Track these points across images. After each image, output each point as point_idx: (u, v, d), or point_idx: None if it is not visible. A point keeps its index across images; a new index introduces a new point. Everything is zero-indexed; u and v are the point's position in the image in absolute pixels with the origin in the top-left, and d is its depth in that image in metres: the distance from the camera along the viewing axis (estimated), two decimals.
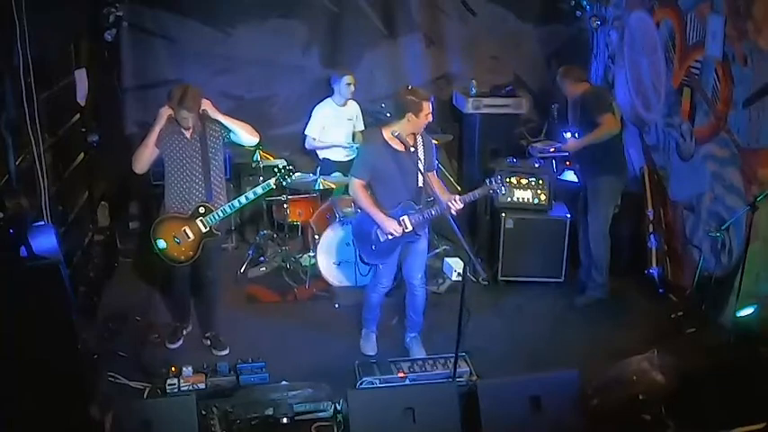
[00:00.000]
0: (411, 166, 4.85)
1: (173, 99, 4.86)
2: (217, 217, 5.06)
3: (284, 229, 6.71)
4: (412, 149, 4.84)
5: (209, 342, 5.47)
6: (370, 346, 5.41)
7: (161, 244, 5.07)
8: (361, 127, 7.04)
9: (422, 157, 4.92)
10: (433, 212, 4.89)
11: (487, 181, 5.01)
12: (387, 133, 4.89)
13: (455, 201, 4.86)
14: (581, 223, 6.16)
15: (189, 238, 5.05)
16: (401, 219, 4.90)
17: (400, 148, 4.85)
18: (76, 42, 6.13)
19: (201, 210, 5.05)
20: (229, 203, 5.11)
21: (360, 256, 5.17)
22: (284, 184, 5.28)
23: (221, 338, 5.43)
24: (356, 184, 4.93)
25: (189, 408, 4.14)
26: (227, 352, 5.36)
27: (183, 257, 5.08)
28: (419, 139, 4.95)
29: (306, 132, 6.89)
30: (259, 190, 5.14)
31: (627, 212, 6.47)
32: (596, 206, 5.92)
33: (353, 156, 6.84)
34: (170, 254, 5.08)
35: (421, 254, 5.18)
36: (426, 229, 5.13)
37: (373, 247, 5.03)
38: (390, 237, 4.91)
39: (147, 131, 5.04)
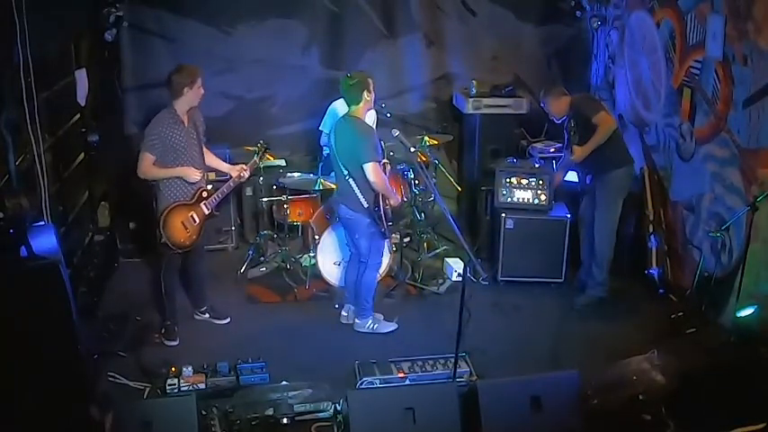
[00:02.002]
0: None
1: (185, 79, 5.11)
2: (217, 199, 5.38)
3: (284, 229, 6.71)
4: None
5: (207, 315, 5.72)
6: (389, 324, 5.62)
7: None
8: None
9: None
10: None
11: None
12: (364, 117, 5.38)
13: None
14: (583, 222, 6.15)
15: (195, 222, 5.32)
16: None
17: None
18: (76, 42, 6.13)
19: (204, 194, 5.34)
20: (225, 185, 5.43)
21: (383, 233, 5.39)
22: (259, 159, 5.71)
23: (218, 309, 5.73)
24: (378, 167, 5.21)
25: (189, 408, 4.13)
26: (228, 320, 5.73)
27: (188, 242, 5.33)
28: None
29: (321, 128, 6.88)
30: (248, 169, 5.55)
31: (627, 212, 6.46)
32: (606, 201, 5.88)
33: None
34: (178, 240, 5.27)
35: None
36: None
37: (390, 223, 5.42)
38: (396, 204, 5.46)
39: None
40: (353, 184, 5.24)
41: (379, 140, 5.36)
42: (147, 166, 5.16)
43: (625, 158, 5.95)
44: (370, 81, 5.29)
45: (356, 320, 5.64)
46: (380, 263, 5.64)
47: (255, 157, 5.66)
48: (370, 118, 6.80)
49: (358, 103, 5.27)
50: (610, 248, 5.94)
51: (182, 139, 5.20)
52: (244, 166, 5.54)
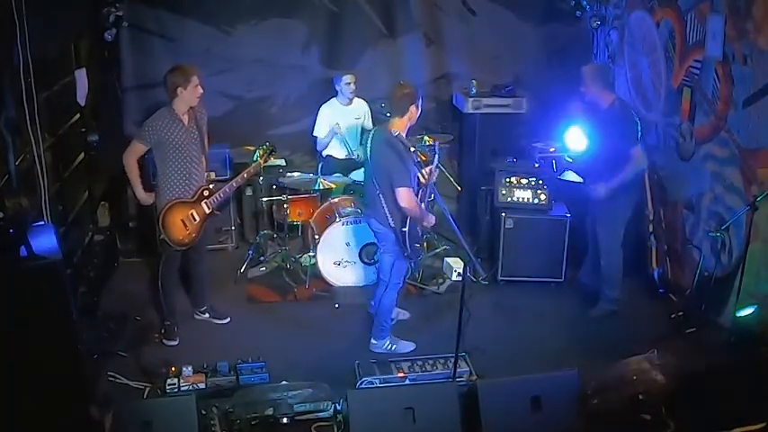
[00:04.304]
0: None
1: (179, 79, 5.11)
2: (219, 198, 5.37)
3: (284, 229, 6.71)
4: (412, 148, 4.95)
5: (207, 315, 5.73)
6: (407, 344, 5.44)
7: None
8: (370, 125, 7.03)
9: None
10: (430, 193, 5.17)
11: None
12: (397, 134, 4.96)
13: (430, 173, 5.08)
14: (590, 233, 5.98)
15: (195, 220, 5.32)
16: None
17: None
18: (76, 42, 6.13)
19: (206, 192, 5.35)
20: (228, 185, 5.41)
21: (409, 257, 5.20)
22: (269, 157, 5.65)
23: (218, 309, 5.75)
24: (410, 193, 4.94)
25: (189, 408, 4.14)
26: (228, 320, 5.74)
27: (187, 240, 5.33)
28: None
29: (315, 134, 6.90)
30: (251, 170, 5.54)
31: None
32: (613, 224, 5.73)
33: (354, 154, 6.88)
34: (177, 238, 5.28)
35: None
36: None
37: (417, 244, 5.25)
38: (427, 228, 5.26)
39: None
40: (383, 201, 5.03)
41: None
42: (132, 153, 5.21)
43: (634, 181, 5.72)
44: (419, 95, 5.07)
45: (372, 341, 5.42)
46: (400, 283, 5.38)
47: (260, 159, 5.63)
48: (362, 109, 6.82)
49: (402, 115, 5.00)
50: (619, 268, 5.82)
51: (180, 138, 5.20)
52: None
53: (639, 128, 5.49)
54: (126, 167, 5.26)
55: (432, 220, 5.19)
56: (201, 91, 5.23)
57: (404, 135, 4.97)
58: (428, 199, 5.23)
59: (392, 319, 5.46)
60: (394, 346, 5.41)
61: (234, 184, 5.48)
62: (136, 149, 5.23)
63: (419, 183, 5.07)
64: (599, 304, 5.95)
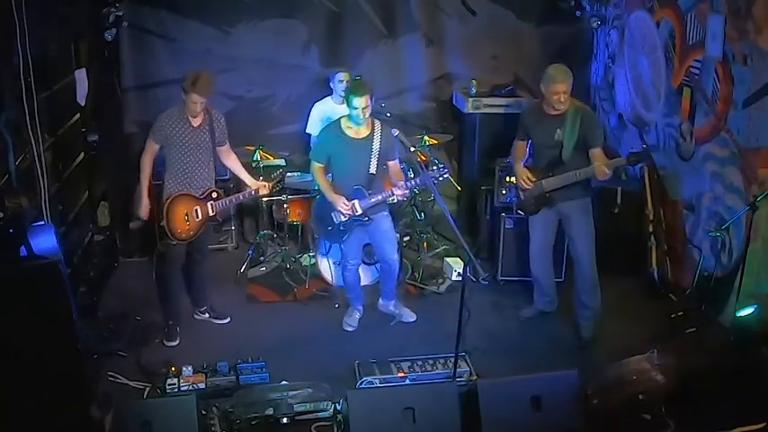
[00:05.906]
0: (365, 153, 5.21)
1: (186, 82, 5.13)
2: (224, 204, 5.42)
3: (284, 229, 6.72)
4: (366, 137, 5.20)
5: (207, 315, 5.76)
6: (350, 322, 5.73)
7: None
8: None
9: (377, 146, 5.21)
10: (380, 198, 5.25)
11: (433, 168, 5.38)
12: (344, 122, 5.27)
13: (398, 187, 5.21)
14: (546, 251, 5.75)
15: (197, 218, 5.32)
16: (352, 203, 5.26)
17: (356, 136, 5.23)
18: (76, 42, 6.13)
19: (214, 194, 5.37)
20: (235, 195, 5.56)
21: (320, 234, 5.50)
22: (278, 183, 5.68)
23: (218, 309, 5.80)
24: (315, 167, 5.37)
25: (189, 408, 4.15)
26: (228, 320, 5.77)
27: (184, 235, 5.31)
28: (377, 128, 5.26)
29: (308, 131, 6.89)
30: (261, 190, 5.49)
31: (627, 212, 6.47)
32: (589, 226, 5.46)
33: None
34: (176, 230, 5.26)
35: (388, 232, 5.53)
36: (385, 212, 5.48)
37: (330, 227, 5.40)
38: (343, 218, 5.29)
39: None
40: None
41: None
42: (146, 153, 5.29)
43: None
44: (352, 97, 5.08)
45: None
46: (345, 263, 5.64)
47: (269, 184, 5.54)
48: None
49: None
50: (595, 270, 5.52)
51: (186, 139, 5.21)
52: (265, 183, 5.51)
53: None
54: (141, 168, 5.33)
55: (339, 204, 5.24)
56: (195, 108, 5.17)
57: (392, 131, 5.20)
58: (428, 199, 5.26)
59: (351, 294, 5.79)
60: (346, 317, 5.76)
61: (241, 197, 5.56)
62: (150, 148, 5.30)
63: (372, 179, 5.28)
64: (583, 324, 5.55)
